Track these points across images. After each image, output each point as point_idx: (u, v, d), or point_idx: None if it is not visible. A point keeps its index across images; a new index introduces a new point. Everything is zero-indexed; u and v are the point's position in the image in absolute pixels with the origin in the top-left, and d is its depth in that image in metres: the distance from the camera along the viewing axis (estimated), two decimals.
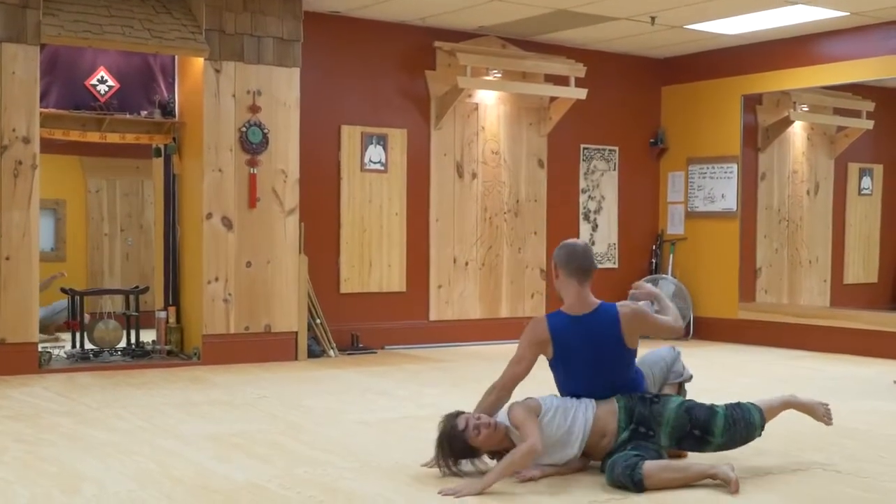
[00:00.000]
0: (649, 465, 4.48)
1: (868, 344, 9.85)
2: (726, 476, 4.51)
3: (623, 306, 4.86)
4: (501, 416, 4.72)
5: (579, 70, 10.82)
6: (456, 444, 4.61)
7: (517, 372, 4.82)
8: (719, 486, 4.51)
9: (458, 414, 4.72)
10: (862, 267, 12.26)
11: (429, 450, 5.38)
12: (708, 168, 11.43)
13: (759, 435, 4.82)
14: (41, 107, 8.29)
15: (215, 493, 4.46)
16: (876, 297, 12.10)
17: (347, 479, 4.74)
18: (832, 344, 10.13)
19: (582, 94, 10.77)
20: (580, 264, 4.83)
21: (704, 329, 11.31)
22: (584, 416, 4.68)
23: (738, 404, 4.82)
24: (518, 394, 4.87)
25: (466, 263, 10.66)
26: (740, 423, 4.71)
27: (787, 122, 11.53)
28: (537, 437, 4.52)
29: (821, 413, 5.07)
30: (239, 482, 4.67)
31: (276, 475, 4.79)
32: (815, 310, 11.16)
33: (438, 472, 4.70)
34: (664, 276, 11.45)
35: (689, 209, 11.68)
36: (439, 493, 4.41)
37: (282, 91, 9.06)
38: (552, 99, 10.97)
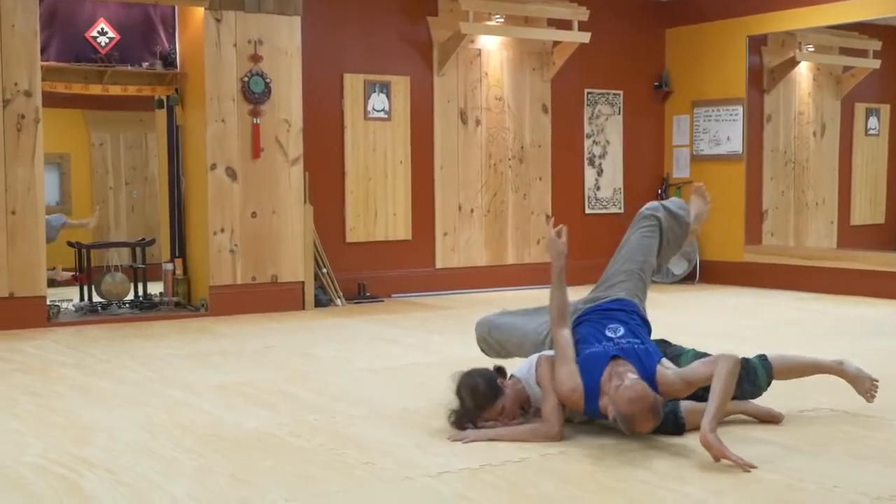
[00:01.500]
0: (685, 407, 4.51)
1: (875, 284, 9.85)
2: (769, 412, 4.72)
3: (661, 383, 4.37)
4: (528, 367, 4.61)
5: (582, 13, 10.73)
6: (472, 419, 4.54)
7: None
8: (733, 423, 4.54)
9: (487, 396, 4.49)
10: (869, 208, 12.23)
11: (437, 397, 5.41)
12: (713, 111, 11.37)
13: (760, 394, 4.74)
14: (42, 60, 8.25)
15: (225, 442, 4.49)
16: (883, 238, 12.08)
17: (356, 425, 4.77)
18: (839, 285, 10.13)
19: (585, 37, 10.68)
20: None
21: (711, 272, 11.31)
22: None
23: (746, 362, 4.66)
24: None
25: (472, 210, 10.65)
26: (744, 382, 4.61)
27: (793, 63, 11.45)
28: (558, 428, 4.41)
29: (866, 388, 4.83)
30: (249, 430, 4.70)
31: (285, 423, 4.82)
32: (822, 251, 11.14)
33: (447, 420, 4.71)
34: None
35: (694, 152, 11.63)
36: (448, 438, 4.43)
37: (283, 40, 9.00)
38: (555, 43, 10.89)
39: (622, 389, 4.16)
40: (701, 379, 4.30)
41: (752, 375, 4.67)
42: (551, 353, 4.60)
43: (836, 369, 4.91)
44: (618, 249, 5.08)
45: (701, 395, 4.61)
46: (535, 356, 4.65)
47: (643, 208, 5.18)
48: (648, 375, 4.32)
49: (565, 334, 4.54)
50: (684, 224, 5.12)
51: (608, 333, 4.54)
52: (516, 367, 4.73)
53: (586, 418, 4.65)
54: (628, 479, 3.86)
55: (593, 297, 4.90)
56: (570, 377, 4.39)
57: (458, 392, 4.54)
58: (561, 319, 4.58)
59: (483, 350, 5.30)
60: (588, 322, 4.68)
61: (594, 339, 4.53)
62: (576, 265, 10.68)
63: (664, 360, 4.46)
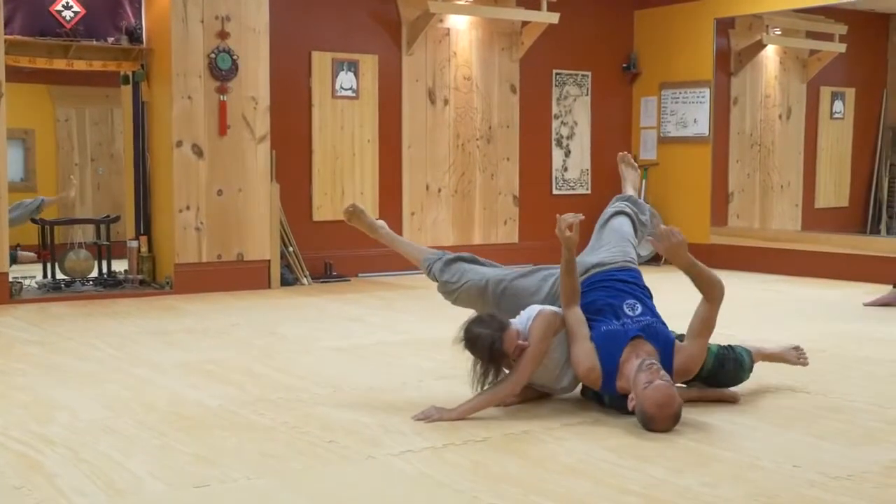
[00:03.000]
0: None
1: (838, 267, 9.93)
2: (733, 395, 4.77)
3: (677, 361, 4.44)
4: (527, 318, 4.56)
5: None
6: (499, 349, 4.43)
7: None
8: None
9: (499, 329, 4.42)
10: (833, 191, 12.33)
11: (401, 376, 5.43)
12: (680, 93, 11.40)
13: (747, 377, 4.80)
14: (5, 34, 8.15)
15: (188, 420, 4.47)
16: (847, 221, 12.19)
17: (321, 404, 4.77)
18: (803, 268, 10.21)
19: (554, 18, 10.68)
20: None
21: None
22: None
23: (731, 347, 4.77)
24: None
25: (439, 190, 10.64)
26: (730, 363, 4.69)
27: (760, 46, 11.49)
28: (521, 381, 4.49)
29: (794, 357, 5.03)
30: (212, 408, 4.68)
31: (249, 401, 4.81)
32: (787, 234, 11.23)
33: (414, 401, 4.72)
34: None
35: (661, 134, 11.66)
36: (413, 418, 4.43)
37: (251, 16, 8.93)
38: (524, 23, 10.88)
39: (651, 390, 4.17)
40: (698, 321, 4.41)
41: (739, 356, 4.74)
42: (552, 308, 4.61)
43: (762, 353, 4.99)
44: (601, 225, 5.19)
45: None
46: (535, 307, 4.62)
47: (614, 206, 5.23)
48: (667, 353, 4.37)
49: (577, 313, 4.54)
50: (645, 229, 5.29)
51: (627, 311, 4.54)
52: (515, 318, 4.63)
53: (564, 395, 4.70)
54: (590, 459, 3.88)
55: (599, 260, 4.87)
56: (587, 357, 4.41)
57: (472, 332, 4.45)
58: (572, 300, 4.57)
59: (449, 292, 5.08)
60: (603, 289, 4.65)
61: (612, 313, 4.52)
62: (542, 246, 10.75)
63: (677, 343, 4.48)
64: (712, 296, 4.44)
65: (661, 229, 4.47)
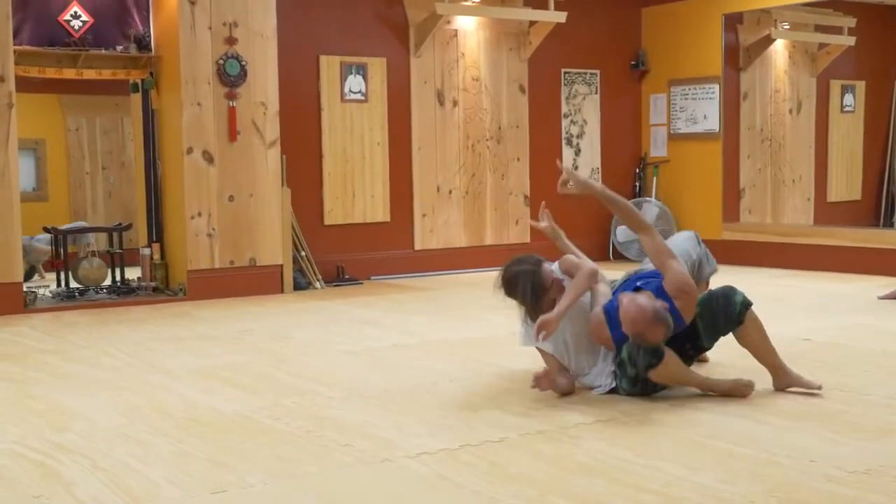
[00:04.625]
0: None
1: (852, 261, 9.89)
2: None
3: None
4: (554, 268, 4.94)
5: None
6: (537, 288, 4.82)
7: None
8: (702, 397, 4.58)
9: (536, 263, 4.86)
10: (845, 184, 12.29)
11: (414, 378, 5.43)
12: (690, 89, 11.38)
13: (741, 300, 4.76)
14: (14, 44, 8.18)
15: (204, 426, 4.48)
16: (860, 215, 12.14)
17: (335, 407, 4.77)
18: (816, 262, 10.18)
19: (561, 17, 10.67)
20: None
21: None
22: None
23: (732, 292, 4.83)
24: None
25: (450, 191, 10.64)
26: (718, 290, 4.81)
27: (769, 41, 11.46)
28: (593, 264, 4.87)
29: (806, 382, 4.88)
30: (227, 414, 4.69)
31: (263, 406, 4.82)
32: (799, 228, 11.19)
33: (428, 403, 4.72)
34: (648, 198, 11.46)
35: (671, 131, 11.64)
36: (532, 387, 4.73)
37: (258, 22, 8.95)
38: (532, 23, 10.87)
39: (621, 314, 4.52)
40: (651, 256, 4.73)
41: (727, 288, 4.83)
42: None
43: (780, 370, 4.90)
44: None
45: (693, 355, 4.74)
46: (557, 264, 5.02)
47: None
48: (661, 290, 4.62)
49: (651, 241, 4.74)
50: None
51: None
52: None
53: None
54: (607, 458, 3.87)
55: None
56: (595, 317, 4.78)
57: (510, 271, 4.91)
58: (637, 228, 4.88)
59: None
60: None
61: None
62: (554, 245, 10.71)
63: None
64: (637, 226, 4.78)
65: (562, 178, 4.77)
